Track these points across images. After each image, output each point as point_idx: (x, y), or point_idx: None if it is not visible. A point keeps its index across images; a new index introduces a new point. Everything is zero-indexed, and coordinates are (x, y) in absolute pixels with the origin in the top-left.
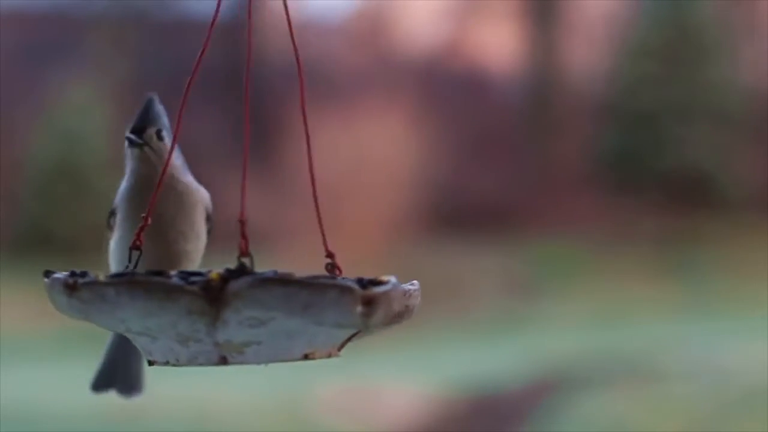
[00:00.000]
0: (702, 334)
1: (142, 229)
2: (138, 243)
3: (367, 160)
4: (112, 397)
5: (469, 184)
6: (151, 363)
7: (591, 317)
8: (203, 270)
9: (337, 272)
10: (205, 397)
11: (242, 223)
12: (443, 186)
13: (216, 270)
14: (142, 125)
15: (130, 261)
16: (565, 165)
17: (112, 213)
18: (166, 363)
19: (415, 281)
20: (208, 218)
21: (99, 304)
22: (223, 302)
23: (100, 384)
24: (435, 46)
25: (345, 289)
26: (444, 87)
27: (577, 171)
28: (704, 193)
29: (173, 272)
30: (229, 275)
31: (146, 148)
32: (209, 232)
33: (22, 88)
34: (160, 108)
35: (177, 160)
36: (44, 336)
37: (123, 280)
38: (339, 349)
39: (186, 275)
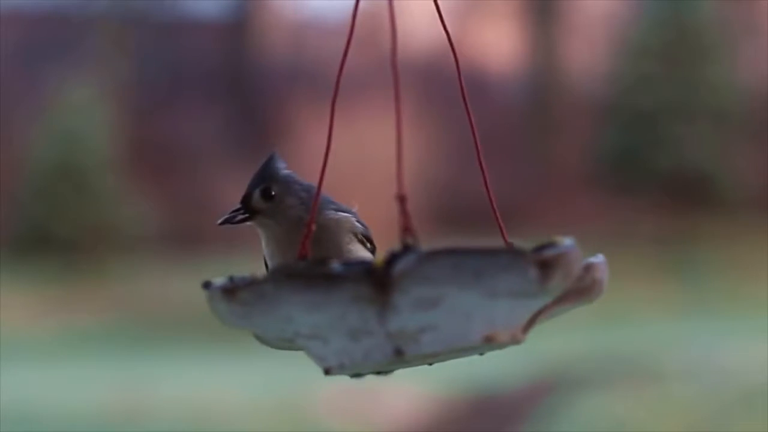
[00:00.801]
0: (702, 334)
1: (306, 237)
2: (304, 252)
3: (367, 160)
4: (112, 397)
5: (469, 184)
6: (327, 371)
7: (591, 317)
8: (367, 259)
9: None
10: (205, 397)
11: (402, 199)
12: (443, 186)
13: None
14: (247, 192)
15: None
16: (565, 165)
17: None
18: (342, 367)
19: (600, 255)
20: (368, 240)
21: (261, 305)
22: (390, 285)
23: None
24: (435, 46)
25: (516, 253)
26: (444, 87)
27: (577, 171)
28: (704, 193)
29: (335, 261)
30: (393, 256)
31: (259, 217)
32: (373, 251)
33: (22, 88)
34: (275, 165)
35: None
36: (44, 336)
37: (281, 274)
38: (524, 332)
39: (348, 264)
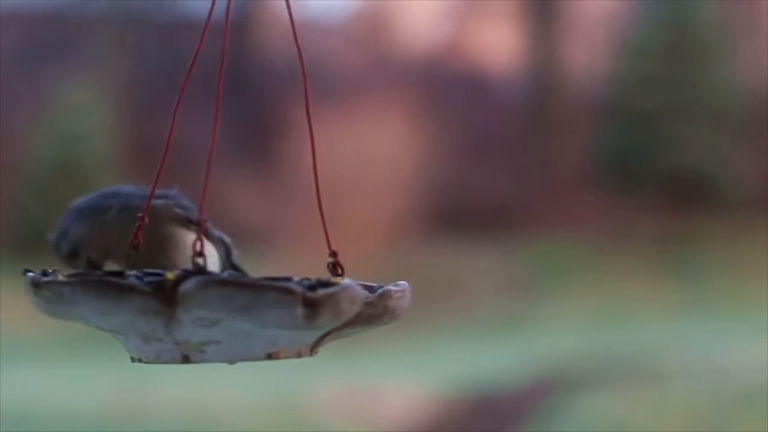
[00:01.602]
0: (702, 334)
1: (139, 228)
2: (135, 242)
3: (367, 160)
4: (112, 397)
5: (469, 184)
6: (132, 359)
7: (591, 317)
8: (161, 271)
9: (340, 271)
10: (205, 397)
11: (200, 223)
12: (443, 186)
13: (175, 271)
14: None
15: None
16: (565, 165)
17: None
18: (141, 360)
19: (401, 282)
20: (192, 222)
21: (59, 303)
22: (176, 302)
23: None
24: (435, 46)
25: (286, 291)
26: (444, 87)
27: (577, 171)
28: (704, 193)
29: (133, 272)
30: (183, 276)
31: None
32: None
33: (22, 88)
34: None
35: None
36: (44, 336)
37: (78, 280)
38: (312, 350)
39: (145, 275)
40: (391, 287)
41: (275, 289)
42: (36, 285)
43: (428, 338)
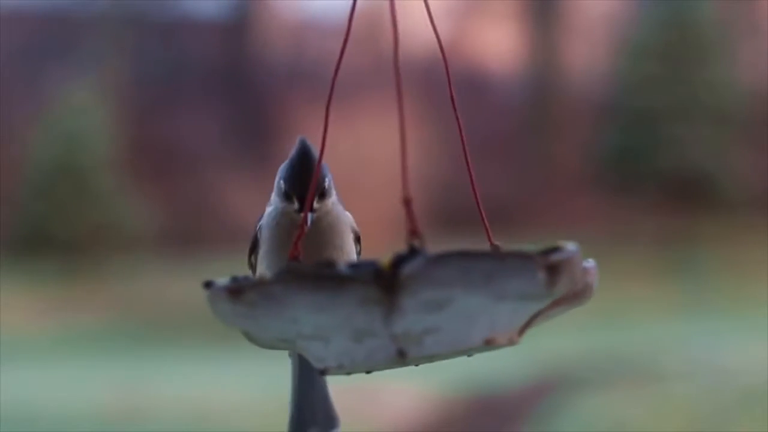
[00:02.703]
0: (702, 334)
1: (299, 238)
2: (296, 253)
3: (367, 160)
4: (112, 397)
5: (468, 184)
6: (323, 372)
7: (591, 317)
8: (372, 259)
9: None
10: (205, 397)
11: (407, 202)
12: (443, 186)
13: (387, 257)
14: (302, 190)
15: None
16: (566, 165)
17: (254, 248)
18: (340, 367)
19: (591, 260)
20: (358, 239)
21: (267, 305)
22: (398, 287)
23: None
24: (435, 46)
25: (526, 257)
26: (444, 87)
27: (577, 171)
28: (704, 193)
29: (341, 263)
30: (400, 258)
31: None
32: (359, 253)
33: (22, 88)
34: (313, 152)
35: (334, 197)
36: (44, 336)
37: (291, 275)
38: (520, 334)
39: (355, 266)
40: (587, 264)
41: (516, 255)
42: (235, 292)
43: None
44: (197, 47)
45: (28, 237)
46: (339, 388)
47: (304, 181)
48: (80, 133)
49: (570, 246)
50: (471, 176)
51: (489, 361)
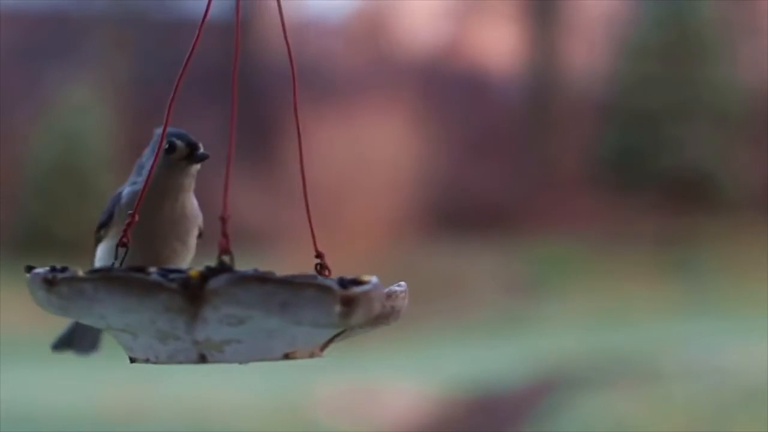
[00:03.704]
0: (702, 334)
1: (129, 226)
2: (125, 240)
3: (367, 160)
4: (112, 397)
5: (469, 184)
6: (132, 360)
7: (591, 317)
8: (185, 267)
9: (326, 272)
10: (205, 397)
11: (223, 220)
12: (443, 186)
13: (197, 268)
14: (196, 142)
15: (116, 258)
16: (565, 165)
17: (110, 215)
18: (147, 360)
19: (402, 282)
20: (200, 235)
21: (78, 300)
22: (202, 300)
23: (60, 345)
24: (435, 46)
25: (324, 289)
26: (444, 87)
27: (577, 171)
28: (704, 193)
29: (153, 269)
30: (209, 273)
31: (195, 166)
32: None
33: (22, 88)
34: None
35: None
36: (44, 336)
37: (101, 276)
38: (322, 350)
39: (166, 272)
40: (396, 288)
41: (314, 286)
42: (50, 282)
43: (428, 338)
44: (197, 47)
45: (28, 237)
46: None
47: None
48: (80, 133)
49: (372, 279)
50: None
51: (489, 361)
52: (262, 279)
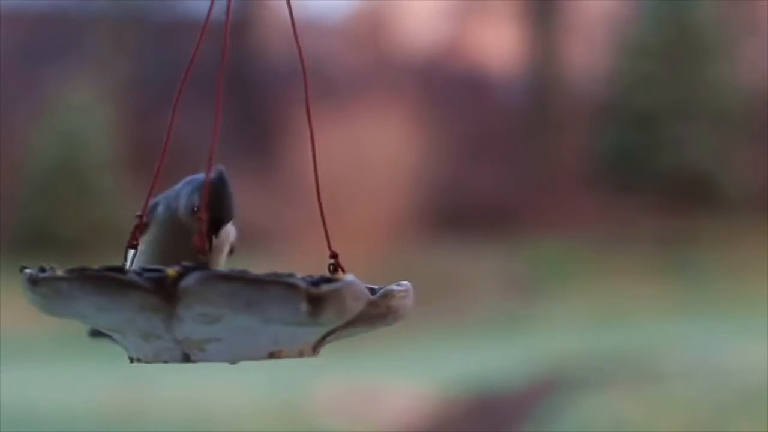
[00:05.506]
0: (702, 334)
1: (137, 228)
2: (134, 242)
3: (367, 160)
4: (112, 397)
5: (469, 184)
6: (131, 360)
7: (591, 317)
8: (162, 267)
9: (340, 272)
10: (205, 397)
11: (201, 220)
12: (443, 186)
13: (175, 267)
14: (221, 219)
15: (125, 260)
16: (565, 165)
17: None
18: (138, 360)
19: (404, 282)
20: (231, 251)
21: (56, 299)
22: (176, 298)
23: (97, 332)
24: (435, 46)
25: (289, 286)
26: (444, 87)
27: (577, 171)
28: (704, 193)
29: (132, 268)
30: (185, 271)
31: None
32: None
33: (22, 88)
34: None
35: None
36: (44, 336)
37: (75, 275)
38: (314, 349)
39: (144, 271)
40: (394, 287)
41: (279, 284)
42: (33, 281)
43: (428, 338)
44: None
45: (28, 237)
46: (339, 388)
47: (222, 209)
48: (80, 133)
49: (345, 278)
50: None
51: (489, 361)
52: (226, 277)
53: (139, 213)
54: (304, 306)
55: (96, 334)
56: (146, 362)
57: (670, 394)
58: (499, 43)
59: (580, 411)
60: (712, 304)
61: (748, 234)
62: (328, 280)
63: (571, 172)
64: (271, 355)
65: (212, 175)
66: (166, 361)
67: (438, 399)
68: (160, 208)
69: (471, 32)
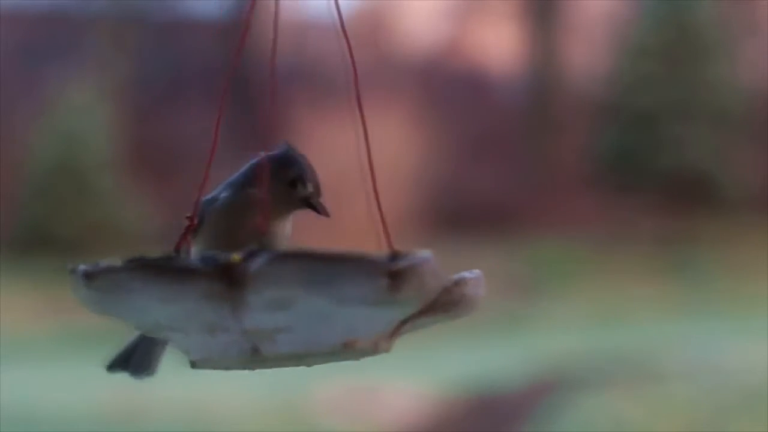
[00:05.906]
0: (702, 334)
1: (188, 229)
2: (185, 245)
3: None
4: (112, 397)
5: (469, 184)
6: (192, 365)
7: (591, 317)
8: (225, 253)
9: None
10: (205, 397)
11: (263, 201)
12: (443, 186)
13: (239, 253)
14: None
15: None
16: (565, 165)
17: (200, 221)
18: (206, 361)
19: (475, 270)
20: None
21: (116, 293)
22: (243, 283)
23: (116, 365)
24: (435, 46)
25: (367, 261)
26: (444, 87)
27: (577, 171)
28: (704, 193)
29: (196, 254)
30: (249, 255)
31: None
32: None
33: (22, 88)
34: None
35: None
36: (44, 336)
37: (135, 264)
38: (388, 341)
39: (207, 258)
40: (467, 274)
41: (356, 259)
42: (89, 276)
43: (428, 338)
44: (197, 47)
45: (28, 237)
46: (339, 388)
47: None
48: (80, 133)
49: (422, 254)
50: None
51: (489, 361)
52: (301, 255)
53: (188, 215)
54: (383, 282)
55: (114, 366)
56: (211, 366)
57: (670, 394)
58: (499, 43)
59: (580, 411)
60: (712, 304)
61: (748, 234)
62: (401, 256)
63: (571, 172)
64: (346, 346)
65: (281, 148)
66: (233, 359)
67: (438, 399)
68: (225, 194)
69: (471, 32)
